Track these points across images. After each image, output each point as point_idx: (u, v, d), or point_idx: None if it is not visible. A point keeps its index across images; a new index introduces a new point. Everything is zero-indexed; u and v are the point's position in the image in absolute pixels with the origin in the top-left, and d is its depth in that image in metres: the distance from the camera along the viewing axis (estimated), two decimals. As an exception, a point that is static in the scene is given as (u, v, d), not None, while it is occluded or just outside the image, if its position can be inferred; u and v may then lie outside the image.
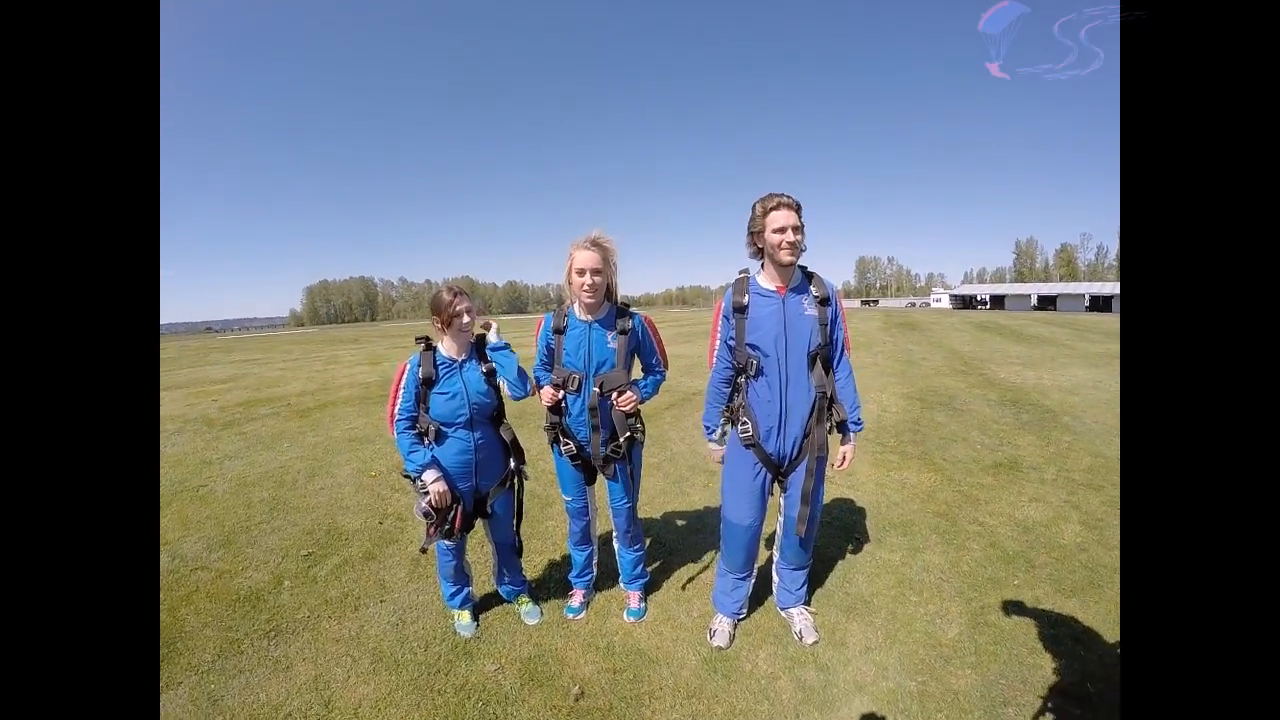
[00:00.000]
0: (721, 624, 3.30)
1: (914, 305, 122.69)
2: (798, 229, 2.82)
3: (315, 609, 3.67)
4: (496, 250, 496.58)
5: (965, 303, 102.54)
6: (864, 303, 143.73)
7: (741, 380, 3.05)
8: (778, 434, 3.00)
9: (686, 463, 6.50)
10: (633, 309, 3.20)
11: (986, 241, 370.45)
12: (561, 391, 3.16)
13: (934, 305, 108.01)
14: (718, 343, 3.12)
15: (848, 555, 4.18)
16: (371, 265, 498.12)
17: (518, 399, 3.17)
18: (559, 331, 3.16)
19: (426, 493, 2.98)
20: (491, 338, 3.15)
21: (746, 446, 3.04)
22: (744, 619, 3.40)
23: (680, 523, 4.86)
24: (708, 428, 3.24)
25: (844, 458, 3.10)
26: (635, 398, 3.15)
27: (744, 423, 3.02)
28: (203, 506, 5.56)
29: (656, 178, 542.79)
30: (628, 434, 3.19)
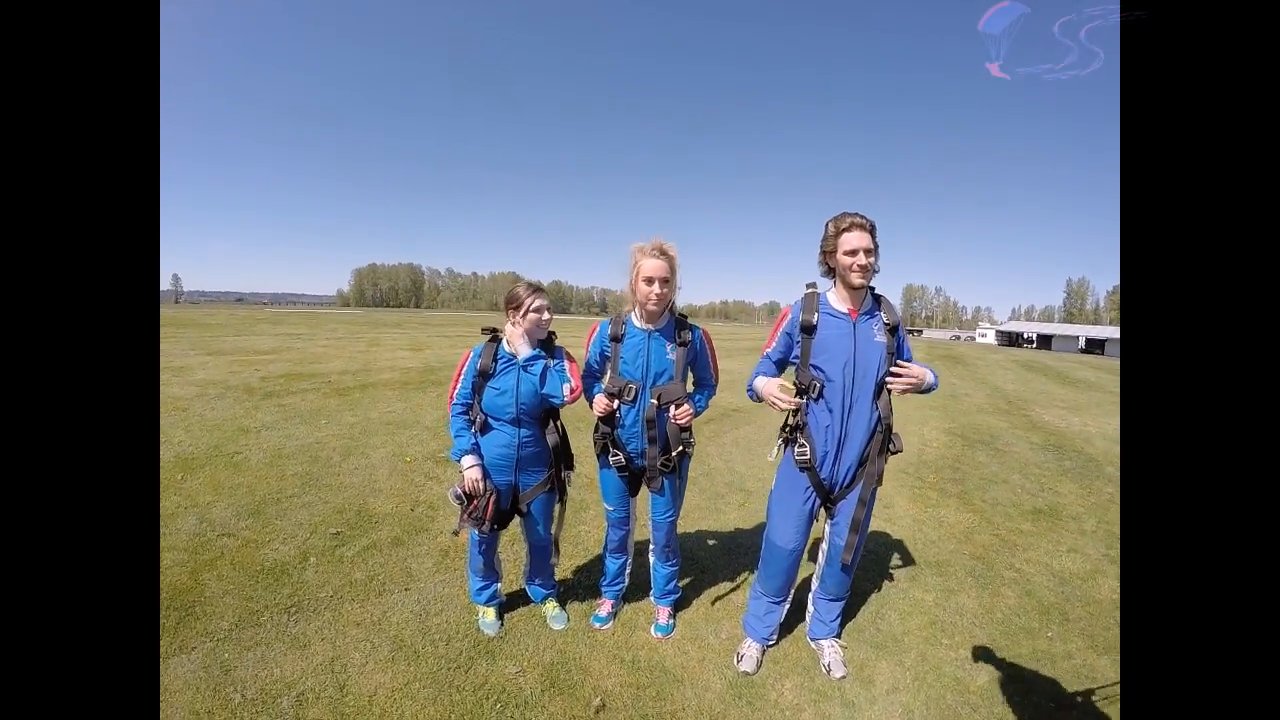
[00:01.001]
0: (750, 649, 3.21)
1: (959, 338, 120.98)
2: (870, 251, 2.73)
3: (338, 589, 3.67)
4: (541, 250, 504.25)
5: (1011, 340, 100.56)
6: (907, 332, 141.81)
7: (802, 400, 2.95)
8: (833, 460, 2.92)
9: (723, 480, 6.43)
10: (691, 321, 3.14)
11: (1037, 278, 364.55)
12: (615, 401, 3.09)
13: (979, 340, 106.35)
14: (771, 350, 3.01)
15: (882, 590, 4.06)
16: (421, 253, 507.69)
17: (559, 405, 3.04)
18: (616, 339, 3.09)
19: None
20: (523, 349, 3.00)
21: (801, 470, 2.96)
22: (773, 645, 3.31)
23: (712, 541, 4.78)
24: (754, 384, 2.98)
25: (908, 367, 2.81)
26: (692, 411, 3.06)
27: (802, 446, 2.93)
28: (236, 473, 5.64)
29: (704, 191, 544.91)
30: (679, 447, 3.12)
